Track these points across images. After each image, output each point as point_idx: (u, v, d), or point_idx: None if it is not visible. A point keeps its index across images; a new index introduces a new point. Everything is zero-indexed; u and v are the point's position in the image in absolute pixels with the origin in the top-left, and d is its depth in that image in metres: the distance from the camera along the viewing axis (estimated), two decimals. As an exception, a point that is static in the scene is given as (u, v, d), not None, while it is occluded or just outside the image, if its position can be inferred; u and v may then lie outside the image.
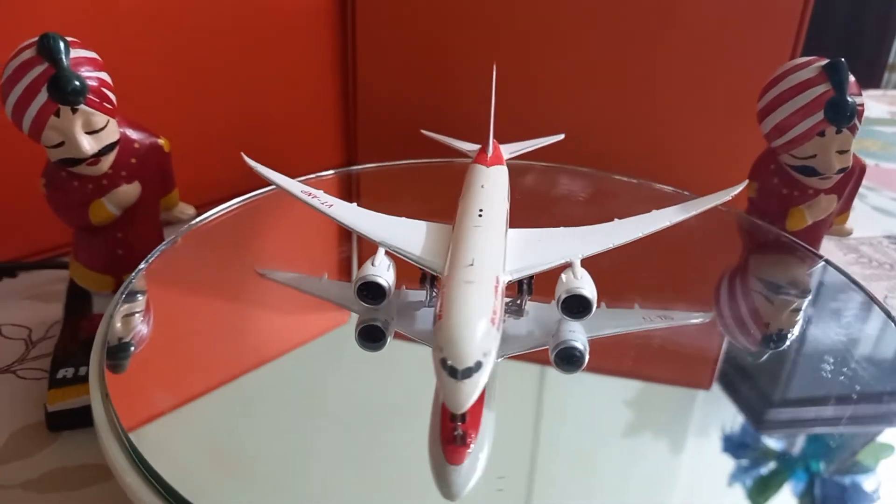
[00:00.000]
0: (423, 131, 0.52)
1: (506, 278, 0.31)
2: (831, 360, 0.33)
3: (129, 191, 0.39)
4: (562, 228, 0.35)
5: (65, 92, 0.34)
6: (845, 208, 0.45)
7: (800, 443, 0.30)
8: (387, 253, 0.33)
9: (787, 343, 0.36)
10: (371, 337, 0.33)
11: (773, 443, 0.29)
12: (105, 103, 0.36)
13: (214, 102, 0.55)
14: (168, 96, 0.52)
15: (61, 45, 0.35)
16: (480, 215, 0.33)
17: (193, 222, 0.43)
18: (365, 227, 0.35)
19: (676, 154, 0.58)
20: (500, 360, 0.31)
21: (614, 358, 0.33)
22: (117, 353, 0.32)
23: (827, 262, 0.41)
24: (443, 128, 0.60)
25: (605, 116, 0.58)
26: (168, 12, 0.50)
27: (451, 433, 0.27)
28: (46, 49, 0.34)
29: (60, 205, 0.39)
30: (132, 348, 0.33)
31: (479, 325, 0.25)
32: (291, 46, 0.58)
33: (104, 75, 0.37)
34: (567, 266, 0.32)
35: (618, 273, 0.39)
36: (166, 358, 0.33)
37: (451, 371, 0.24)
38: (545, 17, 0.56)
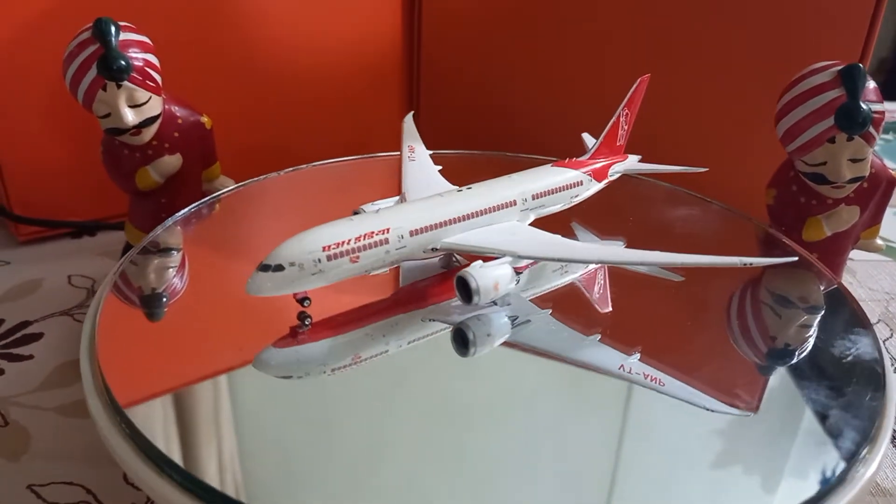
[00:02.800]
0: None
1: (419, 240, 0.33)
2: None
3: (172, 161, 0.44)
4: (549, 235, 0.36)
5: (110, 69, 0.39)
6: (874, 222, 0.42)
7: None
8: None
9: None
10: None
11: None
12: (148, 81, 0.41)
13: (281, 85, 0.58)
14: (235, 83, 0.56)
15: (112, 28, 0.40)
16: (459, 190, 0.36)
17: (232, 189, 0.47)
18: (408, 179, 0.40)
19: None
20: (439, 324, 0.33)
21: (705, 382, 0.31)
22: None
23: (839, 285, 0.38)
24: (504, 122, 0.60)
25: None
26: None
27: (294, 329, 0.32)
28: (98, 31, 0.40)
29: (113, 169, 0.44)
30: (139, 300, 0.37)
31: (301, 243, 0.30)
32: (356, 29, 0.60)
33: (150, 56, 0.41)
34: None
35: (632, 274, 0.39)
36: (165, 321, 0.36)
37: (260, 262, 0.30)
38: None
